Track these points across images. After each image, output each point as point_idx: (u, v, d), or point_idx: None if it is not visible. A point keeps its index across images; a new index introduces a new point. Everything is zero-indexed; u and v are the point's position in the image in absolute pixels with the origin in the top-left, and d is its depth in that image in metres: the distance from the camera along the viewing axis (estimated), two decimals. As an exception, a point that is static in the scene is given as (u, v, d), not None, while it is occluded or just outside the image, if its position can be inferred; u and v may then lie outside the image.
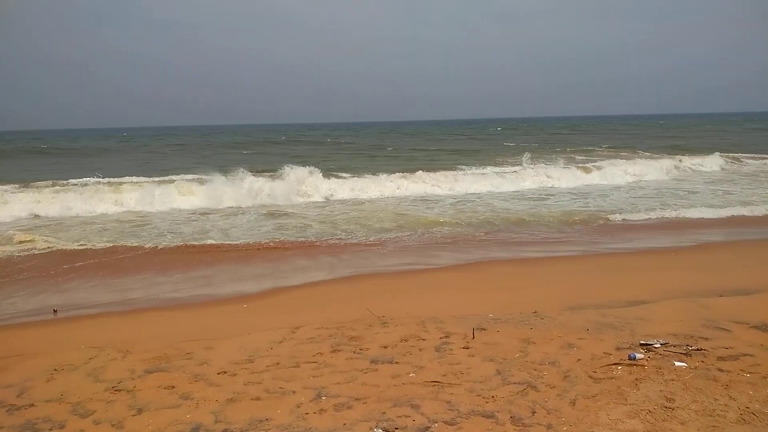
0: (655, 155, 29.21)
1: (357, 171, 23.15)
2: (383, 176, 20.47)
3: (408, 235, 11.63)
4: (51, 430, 3.74)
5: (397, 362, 4.61)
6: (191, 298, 7.64)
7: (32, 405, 4.11)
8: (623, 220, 13.19)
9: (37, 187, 18.05)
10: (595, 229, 12.19)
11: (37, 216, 14.85)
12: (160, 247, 10.78)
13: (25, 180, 20.18)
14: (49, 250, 10.58)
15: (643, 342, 4.84)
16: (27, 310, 7.27)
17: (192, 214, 14.95)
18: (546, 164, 24.33)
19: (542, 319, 5.66)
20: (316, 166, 20.28)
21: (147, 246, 10.88)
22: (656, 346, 4.76)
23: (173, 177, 20.53)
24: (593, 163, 24.57)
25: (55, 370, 4.75)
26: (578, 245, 10.60)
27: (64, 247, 10.77)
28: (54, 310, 7.20)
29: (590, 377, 4.26)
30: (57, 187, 18.18)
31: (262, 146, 46.17)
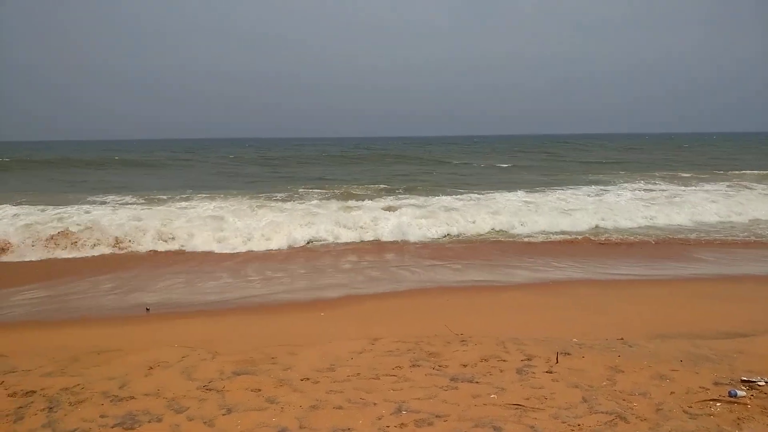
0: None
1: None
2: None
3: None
4: (150, 422, 3.98)
5: (477, 382, 4.55)
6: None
7: (132, 398, 4.39)
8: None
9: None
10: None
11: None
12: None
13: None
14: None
15: (744, 378, 4.51)
16: (124, 307, 7.82)
17: None
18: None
19: (630, 346, 5.41)
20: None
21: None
22: (760, 384, 4.42)
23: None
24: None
25: (152, 366, 5.06)
26: None
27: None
28: (147, 309, 7.69)
29: (685, 412, 4.01)
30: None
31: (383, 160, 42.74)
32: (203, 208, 15.99)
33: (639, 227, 14.73)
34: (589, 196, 19.31)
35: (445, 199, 18.39)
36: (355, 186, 23.69)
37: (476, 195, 19.49)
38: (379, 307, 7.72)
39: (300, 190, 21.64)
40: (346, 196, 19.46)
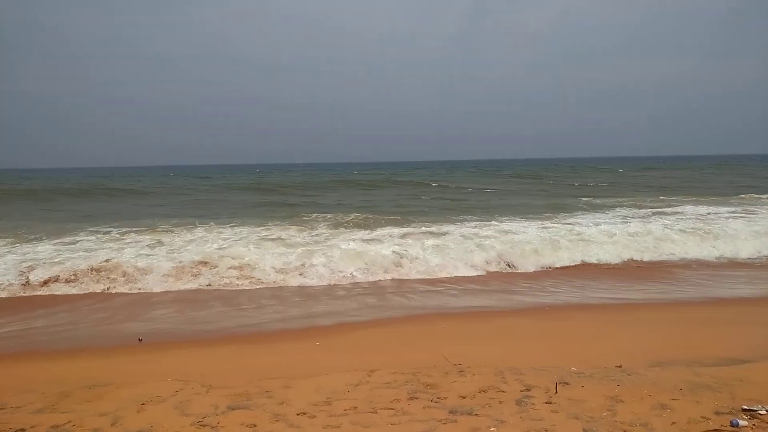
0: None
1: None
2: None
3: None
4: (142, 462, 3.89)
5: (476, 414, 4.48)
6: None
7: (125, 435, 4.29)
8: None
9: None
10: None
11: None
12: None
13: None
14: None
15: (746, 407, 4.47)
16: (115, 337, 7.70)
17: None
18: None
19: (629, 375, 5.36)
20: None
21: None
22: (761, 412, 4.38)
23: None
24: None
25: (145, 401, 4.96)
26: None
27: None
28: (139, 339, 7.58)
29: (687, 444, 3.97)
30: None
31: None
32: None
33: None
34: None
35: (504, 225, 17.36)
36: (354, 212, 23.32)
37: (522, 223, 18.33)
38: (375, 335, 7.65)
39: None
40: (336, 224, 18.73)
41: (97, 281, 10.98)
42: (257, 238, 15.17)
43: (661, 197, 28.68)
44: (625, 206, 24.21)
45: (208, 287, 11.02)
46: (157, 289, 10.79)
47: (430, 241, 14.10)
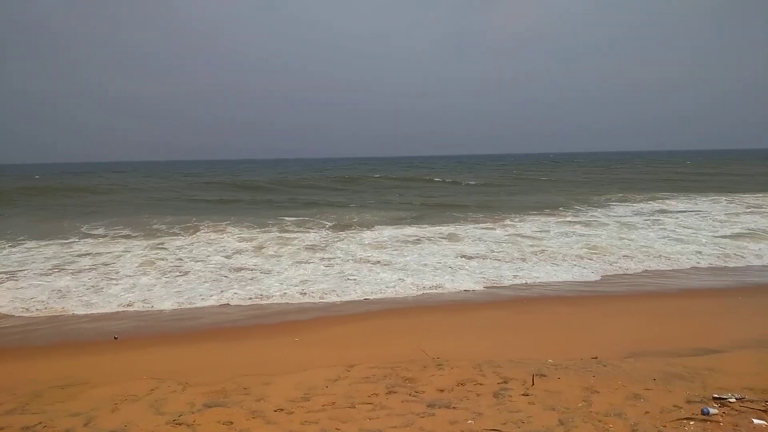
0: None
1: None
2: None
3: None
4: (116, 462, 3.83)
5: (454, 407, 4.50)
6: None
7: (98, 435, 4.22)
8: None
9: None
10: None
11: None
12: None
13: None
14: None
15: (716, 396, 4.56)
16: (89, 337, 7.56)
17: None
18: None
19: (604, 366, 5.44)
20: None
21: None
22: (731, 400, 4.47)
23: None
24: None
25: (119, 400, 4.88)
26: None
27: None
28: (115, 337, 7.45)
29: (660, 432, 4.04)
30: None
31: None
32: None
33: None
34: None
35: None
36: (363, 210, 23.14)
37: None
38: (354, 330, 7.62)
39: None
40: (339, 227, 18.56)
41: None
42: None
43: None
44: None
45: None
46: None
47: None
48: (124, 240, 15.36)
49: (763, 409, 4.31)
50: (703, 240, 14.29)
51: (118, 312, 8.76)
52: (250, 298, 9.38)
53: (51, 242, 14.85)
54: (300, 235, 16.05)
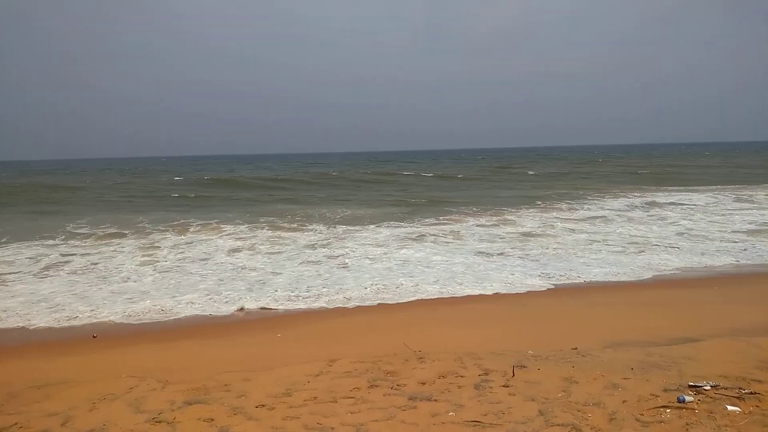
0: None
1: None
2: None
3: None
4: (94, 461, 3.78)
5: (435, 400, 4.53)
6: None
7: (76, 435, 4.16)
8: None
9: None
10: None
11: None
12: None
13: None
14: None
15: (692, 384, 4.65)
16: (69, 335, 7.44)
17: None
18: None
19: (584, 356, 5.51)
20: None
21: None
22: (706, 388, 4.56)
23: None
24: None
25: (98, 399, 4.82)
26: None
27: None
28: (94, 336, 7.35)
29: (637, 420, 4.10)
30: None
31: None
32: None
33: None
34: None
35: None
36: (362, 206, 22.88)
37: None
38: (337, 324, 7.62)
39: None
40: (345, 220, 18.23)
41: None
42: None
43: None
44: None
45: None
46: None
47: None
48: (117, 240, 14.93)
49: (736, 395, 4.40)
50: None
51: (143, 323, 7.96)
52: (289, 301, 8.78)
53: (36, 243, 14.45)
54: (295, 234, 15.65)
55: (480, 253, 12.43)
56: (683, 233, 14.69)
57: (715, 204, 21.08)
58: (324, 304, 8.63)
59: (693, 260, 11.37)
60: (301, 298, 8.97)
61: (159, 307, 8.52)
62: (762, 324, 6.78)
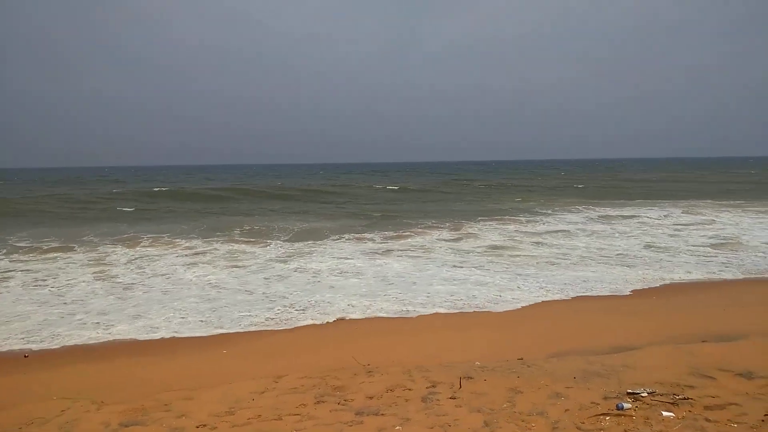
0: None
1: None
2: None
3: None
4: (18, 491, 3.54)
5: (383, 414, 4.50)
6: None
7: (-1, 463, 3.90)
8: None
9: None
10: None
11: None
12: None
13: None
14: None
15: (630, 391, 4.80)
16: (-3, 356, 6.99)
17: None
18: None
19: (529, 366, 5.61)
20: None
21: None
22: (643, 395, 4.72)
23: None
24: None
25: (25, 424, 4.53)
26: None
27: None
28: (25, 355, 6.95)
29: (579, 429, 4.19)
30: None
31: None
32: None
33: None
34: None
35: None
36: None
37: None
38: (286, 339, 7.49)
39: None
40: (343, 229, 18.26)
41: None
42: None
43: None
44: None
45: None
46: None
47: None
48: (64, 254, 14.15)
49: (671, 401, 4.57)
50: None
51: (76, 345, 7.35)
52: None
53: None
54: (255, 248, 15.21)
55: (456, 267, 12.27)
56: (650, 245, 14.96)
57: (667, 216, 21.95)
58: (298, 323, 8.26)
59: (674, 273, 11.52)
60: (274, 320, 8.36)
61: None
62: (695, 331, 7.09)
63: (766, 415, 4.27)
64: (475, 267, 12.29)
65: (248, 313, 8.70)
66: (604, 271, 11.80)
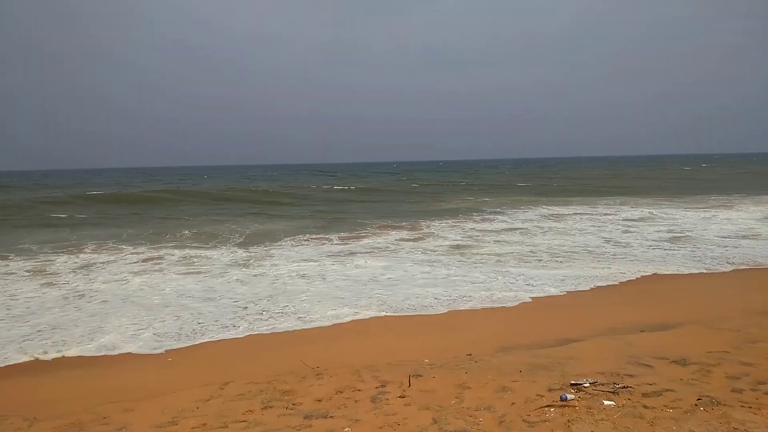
0: None
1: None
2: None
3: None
4: None
5: (332, 416, 4.45)
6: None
7: None
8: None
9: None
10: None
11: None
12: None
13: None
14: None
15: (573, 382, 4.94)
16: None
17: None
18: None
19: (477, 362, 5.69)
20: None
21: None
22: (585, 385, 4.86)
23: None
24: None
25: (-53, 446, 4.23)
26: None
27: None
28: (-50, 373, 6.49)
29: (524, 421, 4.27)
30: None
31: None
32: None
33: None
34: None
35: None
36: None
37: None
38: (232, 346, 7.30)
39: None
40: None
41: None
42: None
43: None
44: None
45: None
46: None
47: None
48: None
49: (612, 390, 4.73)
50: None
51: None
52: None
53: None
54: (208, 252, 14.71)
55: (432, 266, 12.16)
56: (610, 240, 15.24)
57: (615, 213, 22.67)
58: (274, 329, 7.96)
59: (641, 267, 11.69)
60: (239, 328, 7.95)
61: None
62: (634, 322, 7.39)
63: (698, 399, 4.48)
64: (451, 265, 12.23)
65: (214, 322, 8.30)
66: (578, 268, 11.85)
